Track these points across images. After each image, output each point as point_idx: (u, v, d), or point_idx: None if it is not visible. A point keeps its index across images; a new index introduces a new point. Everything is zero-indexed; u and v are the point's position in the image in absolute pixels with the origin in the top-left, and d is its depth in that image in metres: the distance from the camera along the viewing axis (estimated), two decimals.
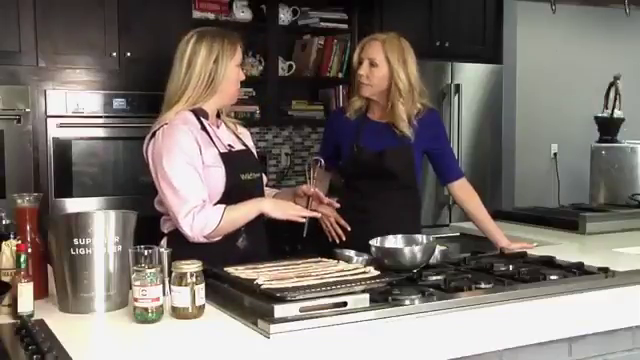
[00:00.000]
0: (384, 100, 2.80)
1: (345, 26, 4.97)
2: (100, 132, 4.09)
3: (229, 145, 2.39)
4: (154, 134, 2.32)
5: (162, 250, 1.90)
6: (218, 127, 2.42)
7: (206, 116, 2.37)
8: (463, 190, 2.89)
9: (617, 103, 4.48)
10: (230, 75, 2.35)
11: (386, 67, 2.75)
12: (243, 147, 2.46)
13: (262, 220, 2.41)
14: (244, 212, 2.28)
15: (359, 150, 2.80)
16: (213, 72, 2.32)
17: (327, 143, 3.00)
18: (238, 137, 2.48)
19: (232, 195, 2.29)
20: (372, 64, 2.75)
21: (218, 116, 2.45)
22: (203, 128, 2.33)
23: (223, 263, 2.02)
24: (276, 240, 2.54)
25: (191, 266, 1.75)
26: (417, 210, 2.94)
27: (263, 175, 2.54)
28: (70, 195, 3.98)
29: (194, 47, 2.35)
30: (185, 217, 2.20)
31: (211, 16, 4.55)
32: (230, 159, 2.34)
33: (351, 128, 2.83)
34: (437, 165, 2.91)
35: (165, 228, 2.39)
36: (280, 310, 1.66)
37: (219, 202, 2.28)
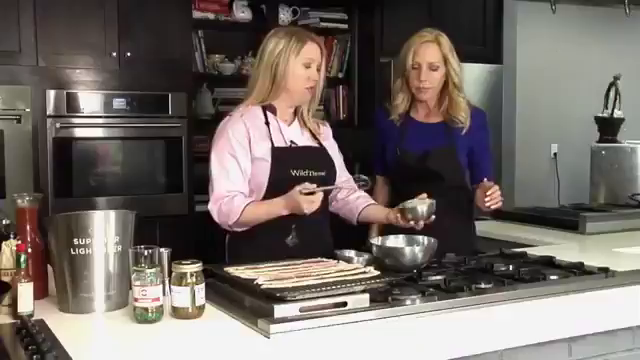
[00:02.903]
0: (435, 99, 2.77)
1: (345, 26, 4.98)
2: (100, 132, 4.10)
3: (291, 141, 2.42)
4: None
5: (162, 250, 1.89)
6: (289, 124, 2.45)
7: (274, 112, 2.43)
8: None
9: (617, 103, 4.48)
10: (294, 71, 2.37)
11: (444, 68, 2.72)
12: (313, 145, 2.48)
13: (324, 218, 2.45)
14: (261, 213, 2.32)
15: (402, 153, 2.75)
16: (275, 66, 2.37)
17: (377, 145, 2.91)
18: (315, 136, 2.50)
19: (279, 189, 2.31)
20: (431, 68, 2.70)
21: (295, 114, 2.49)
22: (266, 123, 2.39)
23: (273, 260, 2.05)
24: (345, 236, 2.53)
25: (191, 266, 1.75)
26: (468, 208, 2.82)
27: (347, 176, 2.54)
28: (70, 195, 3.98)
29: (266, 41, 2.42)
30: (214, 204, 2.35)
31: (211, 16, 4.56)
32: (282, 154, 2.37)
33: (394, 129, 2.79)
34: (472, 167, 2.82)
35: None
36: (280, 310, 1.66)
37: (265, 195, 2.35)
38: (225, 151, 2.35)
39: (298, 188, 2.23)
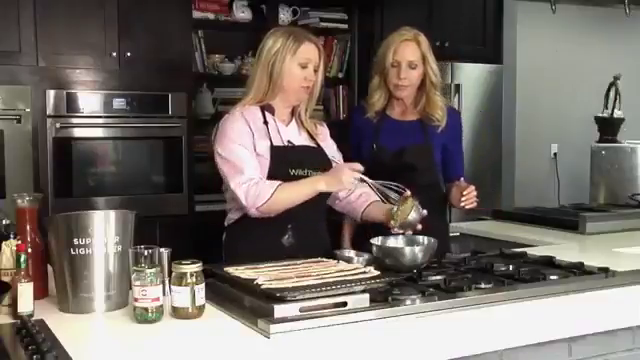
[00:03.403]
0: (412, 97, 2.80)
1: (345, 26, 4.98)
2: (100, 132, 4.09)
3: (288, 141, 2.43)
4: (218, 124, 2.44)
5: (162, 250, 1.89)
6: (287, 124, 2.46)
7: (272, 112, 2.43)
8: None
9: (617, 103, 4.48)
10: (290, 71, 2.38)
11: (422, 66, 2.75)
12: (310, 144, 2.49)
13: (320, 218, 2.46)
14: (298, 191, 2.31)
15: (378, 149, 2.77)
16: (271, 65, 2.38)
17: (353, 143, 2.93)
18: (312, 136, 2.51)
19: None
20: (410, 66, 2.73)
21: (293, 114, 2.50)
22: (265, 122, 2.40)
23: (269, 259, 2.05)
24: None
25: (191, 266, 1.75)
26: (442, 206, 2.86)
27: None
28: (70, 195, 3.98)
29: (265, 40, 2.43)
30: (241, 185, 2.30)
31: (211, 16, 4.56)
32: (280, 153, 2.38)
33: (370, 127, 2.81)
34: (444, 165, 2.87)
35: (225, 221, 2.47)
36: (280, 310, 1.66)
37: None
38: (235, 143, 2.34)
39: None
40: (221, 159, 2.35)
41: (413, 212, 2.31)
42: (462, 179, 2.72)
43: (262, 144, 2.37)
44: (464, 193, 2.59)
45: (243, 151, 2.33)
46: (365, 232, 2.41)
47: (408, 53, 2.73)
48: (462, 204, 2.60)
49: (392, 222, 2.32)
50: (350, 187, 2.31)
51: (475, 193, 2.62)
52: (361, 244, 2.24)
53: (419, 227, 2.33)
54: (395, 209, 2.32)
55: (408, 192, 2.34)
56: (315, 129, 2.54)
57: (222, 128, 2.39)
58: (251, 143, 2.35)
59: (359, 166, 2.29)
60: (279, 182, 2.30)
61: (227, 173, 2.34)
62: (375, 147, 2.78)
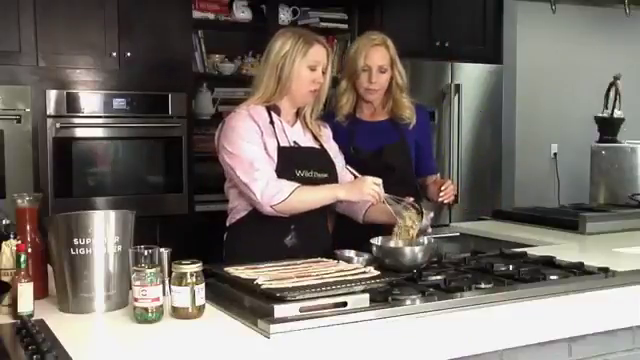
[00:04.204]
0: (380, 99, 2.83)
1: (345, 26, 4.98)
2: (100, 132, 4.10)
3: (294, 142, 2.42)
4: (224, 122, 2.41)
5: (162, 250, 1.89)
6: (292, 125, 2.46)
7: (278, 112, 2.42)
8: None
9: (617, 103, 4.48)
10: (299, 74, 2.37)
11: (390, 70, 2.78)
12: (315, 146, 2.48)
13: (322, 219, 2.46)
14: (316, 196, 2.31)
15: (356, 151, 2.78)
16: (280, 67, 2.37)
17: None
18: (316, 138, 2.50)
19: None
20: (380, 70, 2.76)
21: (297, 115, 2.50)
22: (271, 122, 2.38)
23: (269, 259, 2.05)
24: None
25: (191, 266, 1.75)
26: (417, 203, 2.92)
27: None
28: (70, 195, 3.99)
29: (273, 41, 2.42)
30: (257, 181, 2.26)
31: (211, 16, 4.56)
32: (287, 153, 2.37)
33: (343, 131, 2.81)
34: (417, 160, 2.91)
35: (227, 220, 2.46)
36: (280, 310, 1.66)
37: None
38: (244, 141, 2.32)
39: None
40: (229, 155, 2.33)
41: (424, 219, 2.32)
42: (438, 175, 2.83)
43: (270, 143, 2.36)
44: (442, 188, 2.64)
45: (253, 148, 2.32)
46: (366, 232, 2.41)
47: (378, 57, 2.76)
48: (440, 199, 2.65)
49: (400, 230, 2.32)
50: (369, 199, 2.30)
51: (452, 187, 2.67)
52: (361, 244, 2.23)
53: (429, 230, 2.35)
54: (397, 230, 2.32)
55: (411, 199, 2.36)
56: (319, 130, 2.54)
57: (229, 125, 2.37)
58: (260, 141, 2.34)
59: (380, 181, 2.29)
60: (297, 184, 2.29)
61: (237, 169, 2.30)
62: (352, 149, 2.78)
